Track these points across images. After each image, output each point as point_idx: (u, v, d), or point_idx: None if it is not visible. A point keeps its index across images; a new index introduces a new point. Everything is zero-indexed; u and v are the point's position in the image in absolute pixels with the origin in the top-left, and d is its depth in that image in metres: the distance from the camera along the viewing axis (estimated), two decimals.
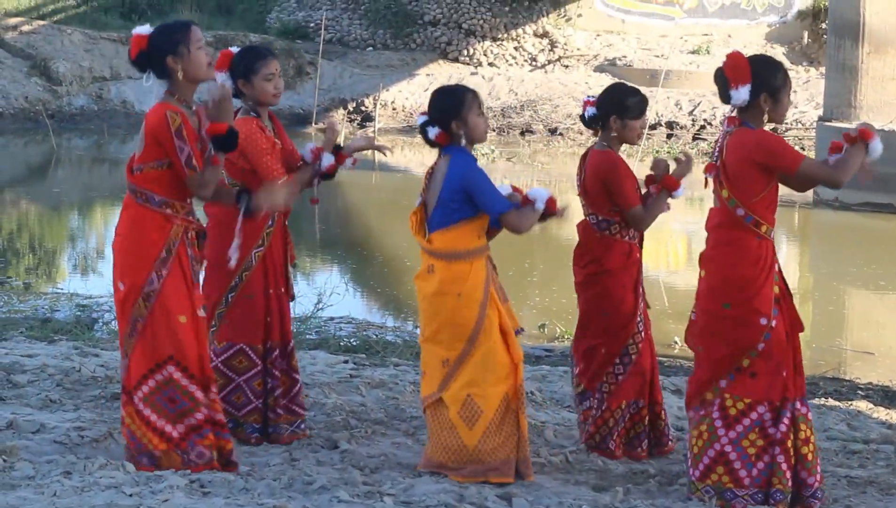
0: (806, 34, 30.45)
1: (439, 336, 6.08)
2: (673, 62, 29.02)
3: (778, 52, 29.70)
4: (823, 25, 27.44)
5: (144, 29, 5.84)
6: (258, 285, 6.54)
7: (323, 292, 11.17)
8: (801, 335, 6.04)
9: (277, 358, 6.57)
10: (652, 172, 6.68)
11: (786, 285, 6.00)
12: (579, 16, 30.27)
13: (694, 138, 26.20)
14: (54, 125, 25.10)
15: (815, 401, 8.49)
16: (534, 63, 29.67)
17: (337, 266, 15.28)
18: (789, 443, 5.87)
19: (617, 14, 30.67)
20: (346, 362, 8.79)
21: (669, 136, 26.37)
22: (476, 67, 29.14)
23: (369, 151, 25.10)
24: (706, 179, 6.08)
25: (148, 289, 5.78)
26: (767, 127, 6.02)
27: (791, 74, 6.12)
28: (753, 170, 5.83)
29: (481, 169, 6.05)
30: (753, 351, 5.85)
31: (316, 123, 26.82)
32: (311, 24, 30.18)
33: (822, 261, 17.03)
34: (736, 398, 5.89)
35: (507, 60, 29.66)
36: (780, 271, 5.97)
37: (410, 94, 28.07)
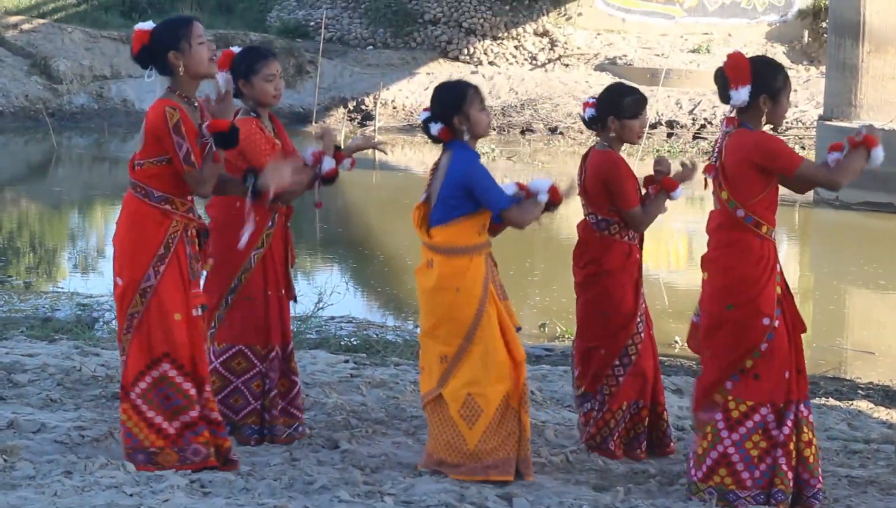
0: (806, 33, 30.46)
1: (437, 331, 6.08)
2: (673, 61, 29.02)
3: (778, 52, 29.70)
4: (824, 24, 27.43)
5: (147, 25, 5.86)
6: (257, 286, 6.53)
7: (323, 292, 11.16)
8: (801, 335, 6.04)
9: (277, 360, 6.57)
10: (653, 172, 6.68)
11: (787, 285, 6.00)
12: (580, 14, 30.27)
13: (694, 137, 26.21)
14: (55, 124, 25.10)
15: (816, 401, 8.49)
16: (534, 62, 29.68)
17: (337, 265, 15.28)
18: (791, 445, 5.87)
19: (617, 13, 30.67)
20: (346, 361, 8.79)
21: (670, 135, 26.37)
22: (476, 65, 29.14)
23: (369, 151, 25.13)
24: (706, 179, 6.08)
25: (145, 285, 5.78)
26: (766, 128, 6.02)
27: (791, 73, 6.13)
28: (752, 171, 5.83)
29: (482, 165, 6.05)
30: (757, 352, 5.85)
31: (316, 122, 26.81)
32: (312, 23, 30.18)
33: (823, 260, 17.03)
34: (739, 401, 5.89)
35: (507, 59, 29.67)
36: (780, 271, 5.98)
37: (411, 92, 28.07)
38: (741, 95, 5.83)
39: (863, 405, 8.69)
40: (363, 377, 8.13)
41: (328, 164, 6.50)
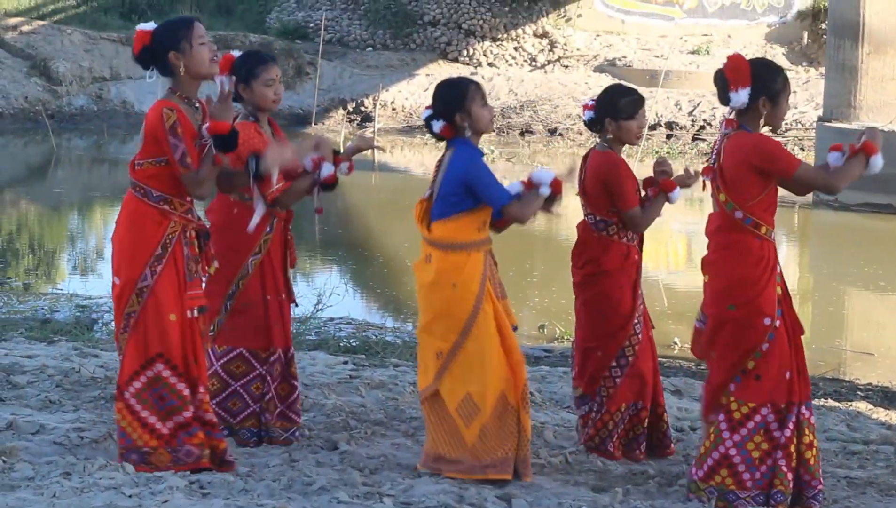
0: (806, 34, 30.47)
1: (434, 327, 6.09)
2: (673, 62, 29.03)
3: (777, 53, 29.71)
4: (823, 26, 27.45)
5: (148, 25, 5.86)
6: (255, 292, 6.53)
7: (322, 293, 11.16)
8: (801, 336, 6.05)
9: (279, 363, 6.56)
10: (653, 173, 6.68)
11: (786, 287, 6.00)
12: (579, 16, 30.29)
13: (693, 139, 26.22)
14: (54, 125, 25.11)
15: (815, 402, 8.48)
16: (533, 63, 29.68)
17: (336, 267, 15.28)
18: (792, 447, 5.87)
19: (617, 14, 30.68)
20: (345, 362, 8.79)
21: (669, 136, 26.38)
22: (476, 67, 29.15)
23: (368, 152, 25.12)
24: (704, 181, 6.09)
25: (142, 285, 5.79)
26: (764, 131, 6.03)
27: (791, 74, 6.13)
28: (750, 174, 5.83)
29: (483, 162, 6.05)
30: (758, 352, 5.85)
31: (315, 124, 26.82)
32: (311, 25, 30.19)
33: (822, 261, 17.04)
34: (740, 403, 5.89)
35: (506, 61, 29.68)
36: (780, 272, 5.98)
37: (410, 94, 28.08)
38: (741, 97, 5.83)
39: (862, 406, 8.69)
40: (362, 378, 8.13)
41: (327, 169, 6.50)
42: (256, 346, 6.53)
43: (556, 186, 6.06)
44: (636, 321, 6.62)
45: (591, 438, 6.68)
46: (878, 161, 5.92)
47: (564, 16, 30.22)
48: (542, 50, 29.88)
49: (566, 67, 29.60)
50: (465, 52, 29.65)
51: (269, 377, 6.53)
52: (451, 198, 6.02)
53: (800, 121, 26.11)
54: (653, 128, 25.73)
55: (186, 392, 5.84)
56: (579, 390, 6.76)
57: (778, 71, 5.96)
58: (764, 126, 5.96)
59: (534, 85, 28.36)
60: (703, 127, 26.62)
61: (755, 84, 5.82)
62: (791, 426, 5.87)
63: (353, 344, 10.21)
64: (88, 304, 11.46)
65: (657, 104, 26.13)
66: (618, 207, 6.56)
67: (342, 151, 6.63)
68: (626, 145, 6.77)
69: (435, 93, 6.15)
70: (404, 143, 26.37)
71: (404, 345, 10.09)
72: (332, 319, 11.24)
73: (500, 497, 5.77)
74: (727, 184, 5.89)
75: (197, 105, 5.86)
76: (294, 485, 5.79)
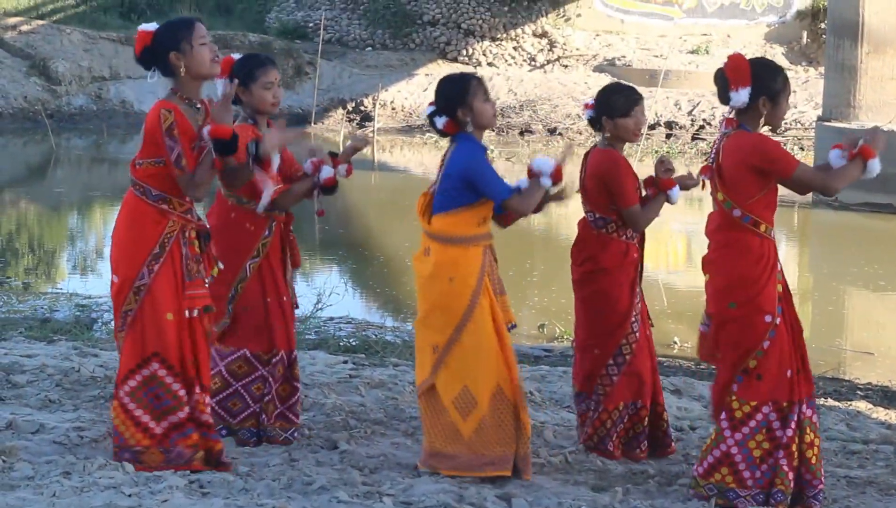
0: (805, 34, 30.47)
1: (430, 320, 6.10)
2: (672, 62, 29.03)
3: (777, 52, 29.72)
4: (822, 25, 27.45)
5: (150, 26, 5.87)
6: (254, 295, 6.52)
7: (322, 293, 11.16)
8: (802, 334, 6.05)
9: (281, 365, 6.56)
10: (655, 171, 6.68)
11: (787, 285, 6.01)
12: (578, 16, 30.28)
13: (693, 138, 26.21)
14: (53, 125, 25.10)
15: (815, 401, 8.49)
16: (533, 63, 29.68)
17: (336, 266, 15.28)
18: (794, 446, 5.87)
19: (616, 14, 30.67)
20: (345, 362, 8.79)
21: (668, 136, 26.37)
22: (475, 66, 29.14)
23: (367, 152, 25.12)
24: (703, 181, 6.09)
25: (139, 283, 5.79)
26: (764, 130, 6.03)
27: (790, 73, 6.14)
28: (749, 173, 5.83)
29: (483, 157, 6.06)
30: (759, 350, 5.86)
31: (315, 123, 26.82)
32: (310, 24, 30.19)
33: (822, 261, 17.04)
34: (742, 402, 5.90)
35: (506, 60, 29.67)
36: (781, 270, 5.98)
37: (409, 94, 28.08)
38: (741, 96, 5.84)
39: (862, 405, 8.69)
40: (362, 377, 8.13)
41: (326, 172, 6.51)
42: (258, 348, 6.53)
43: (557, 175, 6.07)
44: (634, 319, 6.62)
45: (589, 437, 6.68)
46: (875, 165, 5.94)
47: (564, 15, 30.22)
48: (542, 50, 29.88)
49: (565, 66, 29.60)
50: (464, 52, 29.65)
51: (270, 379, 6.53)
52: (452, 192, 6.04)
53: (799, 121, 26.10)
54: (652, 128, 25.73)
55: (182, 393, 5.84)
56: (575, 387, 6.77)
57: (778, 71, 5.96)
58: (764, 126, 5.96)
59: (533, 85, 28.36)
60: (702, 127, 26.62)
61: (755, 84, 5.83)
62: (793, 425, 5.87)
63: (353, 344, 10.21)
64: (88, 303, 11.46)
65: (656, 104, 26.13)
66: (617, 204, 6.57)
67: (340, 152, 6.63)
68: (627, 144, 6.77)
69: (437, 89, 6.16)
70: (404, 142, 26.37)
71: (404, 344, 10.09)
72: (331, 318, 11.24)
73: (499, 497, 5.78)
74: (725, 183, 5.89)
75: (198, 106, 5.86)
76: (294, 485, 5.79)
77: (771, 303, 5.86)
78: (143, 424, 5.82)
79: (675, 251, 16.54)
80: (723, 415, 5.96)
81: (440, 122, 6.11)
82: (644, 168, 6.70)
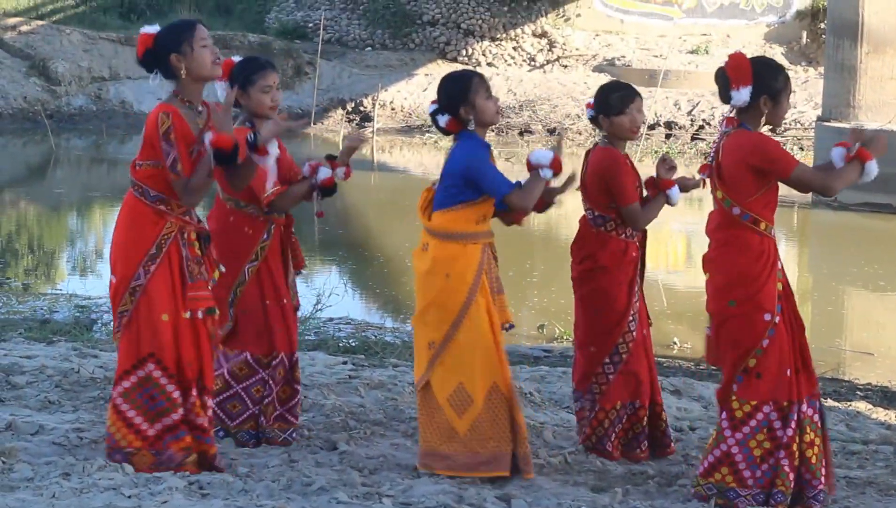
0: (805, 34, 30.47)
1: (427, 317, 6.11)
2: (672, 62, 29.03)
3: (777, 52, 29.72)
4: (822, 25, 27.45)
5: (152, 28, 5.86)
6: (253, 299, 6.52)
7: (322, 293, 11.17)
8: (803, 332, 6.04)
9: (282, 367, 6.55)
10: (656, 170, 6.68)
11: (788, 283, 6.01)
12: (578, 16, 30.29)
13: (692, 138, 26.21)
14: (53, 125, 25.11)
15: None
16: (532, 63, 29.68)
17: (336, 267, 15.28)
18: (795, 446, 5.87)
19: (616, 14, 30.68)
20: (344, 363, 8.78)
21: (668, 136, 26.37)
22: (475, 67, 29.11)
23: (366, 152, 25.10)
24: (703, 179, 6.09)
25: (135, 283, 5.79)
26: (765, 127, 6.04)
27: (790, 73, 6.13)
28: (748, 172, 5.84)
29: (484, 154, 6.06)
30: (759, 349, 5.86)
31: (315, 124, 26.81)
32: (310, 24, 30.19)
33: (822, 261, 17.04)
34: (742, 402, 5.90)
35: (505, 60, 29.68)
36: (782, 269, 5.98)
37: (409, 94, 28.08)
38: (742, 95, 5.85)
39: (861, 406, 8.69)
40: (361, 378, 8.13)
41: (323, 173, 6.51)
42: (259, 351, 6.53)
43: (557, 166, 6.08)
44: (631, 318, 6.62)
45: (588, 437, 6.68)
46: (872, 167, 5.94)
47: (563, 15, 30.22)
48: (541, 50, 29.88)
49: (565, 66, 29.60)
50: (464, 52, 29.66)
51: (270, 381, 6.53)
52: (452, 189, 6.05)
53: (799, 121, 26.10)
54: (652, 128, 25.73)
55: (176, 395, 5.84)
56: (572, 385, 6.79)
57: (779, 69, 5.97)
58: (765, 124, 5.97)
59: (533, 85, 28.36)
60: (702, 127, 26.62)
61: (756, 82, 5.84)
62: (793, 424, 5.87)
63: (353, 344, 10.21)
64: (88, 304, 11.46)
65: (656, 104, 26.13)
66: (616, 202, 6.57)
67: (338, 155, 6.63)
68: (628, 142, 6.77)
69: (439, 87, 6.17)
70: (403, 143, 26.37)
71: (403, 345, 10.09)
72: (331, 319, 11.24)
73: (499, 498, 5.78)
74: (725, 181, 5.90)
75: (200, 109, 5.85)
76: (293, 486, 5.79)
77: (770, 301, 5.86)
78: (135, 425, 5.82)
79: (674, 251, 16.55)
80: (723, 415, 5.96)
81: (443, 120, 6.12)
82: (644, 168, 6.67)
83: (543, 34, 30.00)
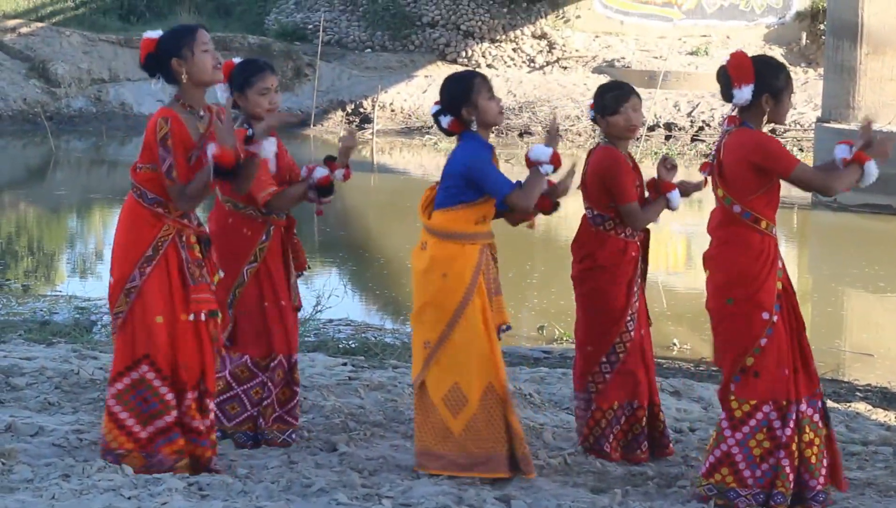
0: (804, 35, 30.47)
1: (423, 316, 6.12)
2: (671, 63, 29.02)
3: (776, 54, 29.69)
4: (822, 26, 27.45)
5: (154, 33, 5.87)
6: (251, 300, 6.52)
7: (321, 295, 11.17)
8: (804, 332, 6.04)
9: (281, 369, 6.55)
10: (657, 170, 6.68)
11: (790, 282, 6.01)
12: (578, 17, 30.28)
13: (692, 140, 26.19)
14: (53, 127, 25.11)
15: None
16: (532, 64, 29.68)
17: (336, 268, 15.28)
18: (794, 446, 5.87)
19: (615, 15, 30.67)
20: (344, 364, 8.79)
21: (668, 137, 26.36)
22: (474, 68, 29.12)
23: (367, 153, 25.10)
24: (704, 179, 6.10)
25: (130, 285, 5.81)
26: (767, 127, 6.04)
27: None
28: (749, 171, 5.85)
29: (485, 155, 6.06)
30: (757, 348, 5.86)
31: (314, 125, 26.81)
32: (310, 26, 30.19)
33: (821, 262, 17.04)
34: (741, 401, 5.90)
35: (505, 62, 29.67)
36: (783, 268, 5.98)
37: (409, 95, 28.07)
38: (744, 93, 5.86)
39: (861, 407, 8.69)
40: (361, 379, 8.13)
41: (319, 172, 6.52)
42: (257, 354, 6.53)
43: (556, 161, 6.09)
44: (629, 318, 6.61)
45: (585, 438, 6.68)
46: (872, 168, 5.94)
47: (563, 17, 30.22)
48: (541, 51, 29.88)
49: (565, 68, 29.60)
50: (463, 54, 29.66)
51: (269, 384, 6.53)
52: (452, 189, 6.06)
53: (798, 122, 26.09)
54: (651, 129, 25.73)
55: (170, 397, 5.84)
56: (574, 386, 6.79)
57: (781, 68, 5.99)
58: (767, 122, 5.97)
59: (532, 86, 28.36)
60: (701, 128, 26.61)
61: (758, 81, 5.85)
62: (791, 423, 5.87)
63: (353, 346, 10.22)
64: (87, 306, 11.46)
65: (656, 105, 26.13)
66: (615, 201, 6.58)
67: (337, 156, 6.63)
68: (629, 142, 6.77)
69: (441, 88, 6.19)
70: (403, 144, 26.37)
71: (403, 346, 10.09)
72: (331, 320, 11.24)
73: (498, 499, 5.78)
74: (726, 180, 5.91)
75: (202, 113, 5.86)
76: (293, 487, 5.79)
77: (769, 300, 5.86)
78: (126, 427, 5.82)
79: (674, 252, 16.55)
80: (722, 415, 5.96)
81: (445, 120, 6.13)
82: (644, 169, 6.68)
83: (543, 35, 30.00)
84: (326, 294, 11.20)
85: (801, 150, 24.47)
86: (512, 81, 28.52)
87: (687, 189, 6.71)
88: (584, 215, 6.73)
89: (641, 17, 30.71)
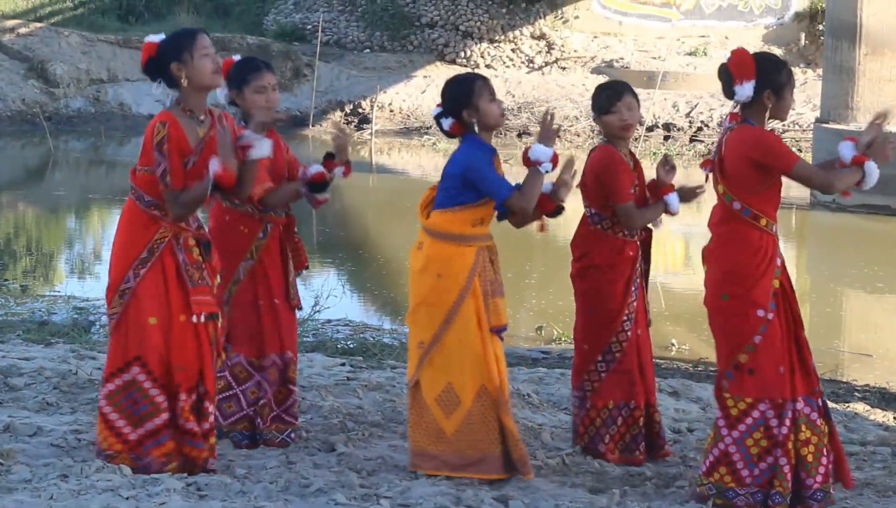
0: (803, 36, 30.47)
1: (417, 315, 6.14)
2: (670, 64, 29.03)
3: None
4: (820, 27, 27.45)
5: (156, 37, 5.88)
6: (246, 297, 6.52)
7: (320, 295, 11.17)
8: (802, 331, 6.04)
9: (275, 368, 6.55)
10: (656, 171, 6.68)
11: (789, 281, 6.01)
12: (576, 17, 30.29)
13: (691, 140, 26.19)
14: (51, 127, 25.10)
15: None
16: (531, 65, 29.68)
17: (334, 268, 15.28)
18: (790, 444, 5.88)
19: (614, 16, 30.68)
20: (343, 364, 8.79)
21: (666, 137, 26.37)
22: (473, 68, 29.10)
23: (366, 154, 25.09)
24: (706, 175, 6.11)
25: (124, 286, 5.81)
26: (770, 124, 6.05)
27: None
28: (750, 167, 5.85)
29: (483, 158, 6.05)
30: (750, 345, 5.86)
31: (313, 126, 26.81)
32: (309, 26, 30.19)
33: (820, 263, 17.04)
34: (737, 399, 5.91)
35: (504, 62, 29.68)
36: (783, 266, 5.98)
37: (407, 95, 28.07)
38: (745, 90, 5.86)
39: (859, 407, 8.69)
40: (359, 380, 8.13)
41: (314, 168, 6.52)
42: (251, 353, 6.53)
43: (555, 161, 6.09)
44: (626, 317, 6.61)
45: (581, 436, 6.68)
46: (872, 167, 5.93)
47: (562, 17, 30.22)
48: (540, 52, 29.88)
49: (563, 68, 29.60)
50: (462, 54, 29.67)
51: (265, 384, 6.52)
52: (451, 190, 6.08)
53: (797, 122, 26.09)
54: (650, 130, 25.73)
55: (160, 399, 5.83)
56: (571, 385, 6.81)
57: (782, 64, 6.00)
58: (770, 119, 5.98)
59: (531, 87, 28.36)
60: (700, 128, 26.61)
61: (759, 77, 5.86)
62: (787, 422, 5.87)
63: (351, 346, 10.21)
64: (86, 306, 11.45)
65: (654, 106, 26.14)
66: (610, 200, 6.58)
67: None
68: (627, 140, 6.76)
69: (443, 91, 6.20)
70: (401, 144, 26.37)
71: (402, 347, 10.08)
72: (329, 321, 11.24)
73: (496, 499, 5.78)
74: (726, 176, 5.92)
75: (202, 118, 5.86)
76: (291, 487, 5.79)
77: (764, 297, 5.86)
78: (116, 428, 5.83)
79: (673, 252, 16.55)
80: (719, 413, 5.97)
81: (446, 123, 6.13)
82: (644, 170, 6.70)
83: (542, 36, 30.00)
84: (325, 294, 11.20)
85: (800, 150, 24.46)
86: (511, 81, 28.52)
87: (686, 196, 6.70)
88: (584, 214, 6.74)
89: (640, 18, 30.72)
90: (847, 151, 5.96)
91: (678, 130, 26.72)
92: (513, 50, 29.84)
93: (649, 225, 6.75)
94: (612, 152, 6.62)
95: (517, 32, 29.90)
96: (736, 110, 5.98)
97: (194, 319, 5.84)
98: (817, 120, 20.74)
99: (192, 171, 5.77)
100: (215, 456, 6.00)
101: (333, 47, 29.94)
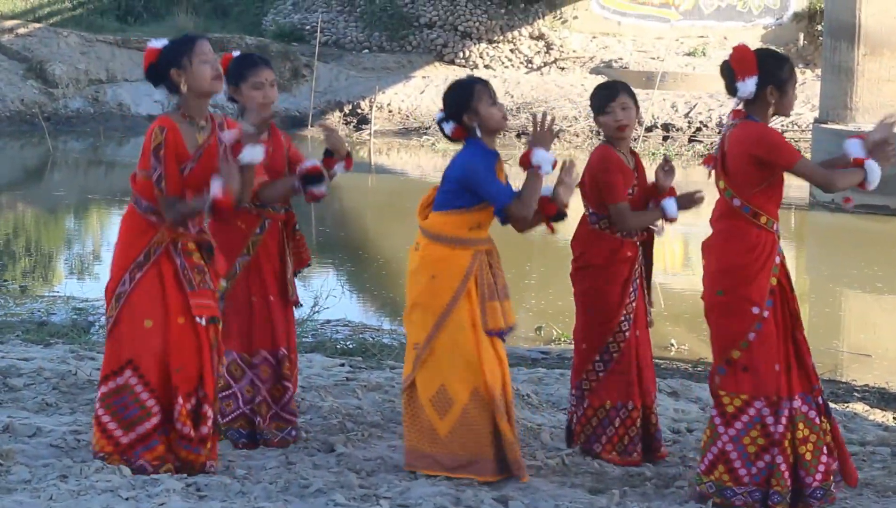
0: (802, 36, 30.47)
1: (412, 316, 6.17)
2: (669, 64, 29.02)
3: None
4: (819, 27, 27.46)
5: (158, 42, 5.89)
6: (241, 293, 6.52)
7: (319, 295, 11.16)
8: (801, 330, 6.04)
9: (268, 366, 6.54)
10: (655, 173, 6.68)
11: (789, 280, 6.00)
12: (575, 18, 30.28)
13: (690, 140, 26.19)
14: (50, 128, 25.10)
15: None
16: (530, 65, 29.68)
17: (333, 269, 15.27)
18: (787, 443, 5.87)
19: (613, 16, 30.67)
20: (342, 365, 8.79)
21: (665, 138, 26.36)
22: (472, 69, 29.13)
23: (365, 154, 25.09)
24: (708, 171, 6.11)
25: (120, 290, 5.82)
26: (773, 121, 6.05)
27: None
28: (751, 164, 5.86)
29: (483, 162, 6.05)
30: (744, 342, 5.86)
31: (312, 126, 26.82)
32: (307, 27, 30.18)
33: (819, 263, 17.04)
34: (732, 395, 5.90)
35: (502, 63, 29.67)
36: (782, 264, 5.98)
37: (406, 96, 28.06)
38: (748, 86, 5.87)
39: (858, 407, 8.69)
40: (359, 380, 8.13)
41: (308, 162, 6.53)
42: (241, 349, 6.52)
43: (554, 162, 6.10)
44: (624, 318, 6.61)
45: (577, 435, 6.68)
46: (873, 166, 5.94)
47: (560, 18, 30.22)
48: (539, 52, 29.88)
49: (562, 68, 29.60)
50: (461, 55, 29.66)
51: (257, 381, 6.52)
52: (449, 193, 6.10)
53: (796, 122, 26.09)
54: (649, 130, 25.72)
55: (151, 403, 5.82)
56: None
57: (784, 59, 6.00)
58: (773, 115, 5.97)
59: (530, 87, 28.35)
60: (699, 129, 26.60)
61: (762, 73, 5.86)
62: (783, 420, 5.87)
63: (350, 346, 10.21)
64: (85, 306, 11.45)
65: (653, 106, 26.13)
66: (605, 200, 6.58)
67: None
68: (627, 140, 6.76)
69: (444, 95, 6.21)
70: (400, 145, 26.37)
71: (401, 347, 10.08)
72: (328, 321, 11.24)
73: (496, 500, 5.78)
74: (728, 172, 5.93)
75: (202, 124, 5.86)
76: (291, 487, 5.79)
77: (760, 295, 5.86)
78: (108, 431, 5.83)
79: (672, 253, 16.55)
80: (714, 411, 5.96)
81: (448, 128, 6.14)
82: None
83: (540, 36, 29.99)
84: (324, 295, 11.19)
85: (799, 150, 24.46)
86: (509, 81, 28.51)
87: (685, 201, 6.69)
88: (584, 214, 6.74)
89: (639, 18, 30.72)
90: (854, 149, 5.96)
91: (677, 130, 26.71)
92: (511, 50, 29.84)
93: (651, 228, 6.74)
94: (608, 152, 6.63)
95: (516, 33, 29.90)
96: (739, 107, 5.98)
97: (197, 320, 5.83)
98: (816, 120, 20.74)
99: (188, 178, 5.77)
100: (216, 459, 6.00)
101: (332, 48, 29.94)
